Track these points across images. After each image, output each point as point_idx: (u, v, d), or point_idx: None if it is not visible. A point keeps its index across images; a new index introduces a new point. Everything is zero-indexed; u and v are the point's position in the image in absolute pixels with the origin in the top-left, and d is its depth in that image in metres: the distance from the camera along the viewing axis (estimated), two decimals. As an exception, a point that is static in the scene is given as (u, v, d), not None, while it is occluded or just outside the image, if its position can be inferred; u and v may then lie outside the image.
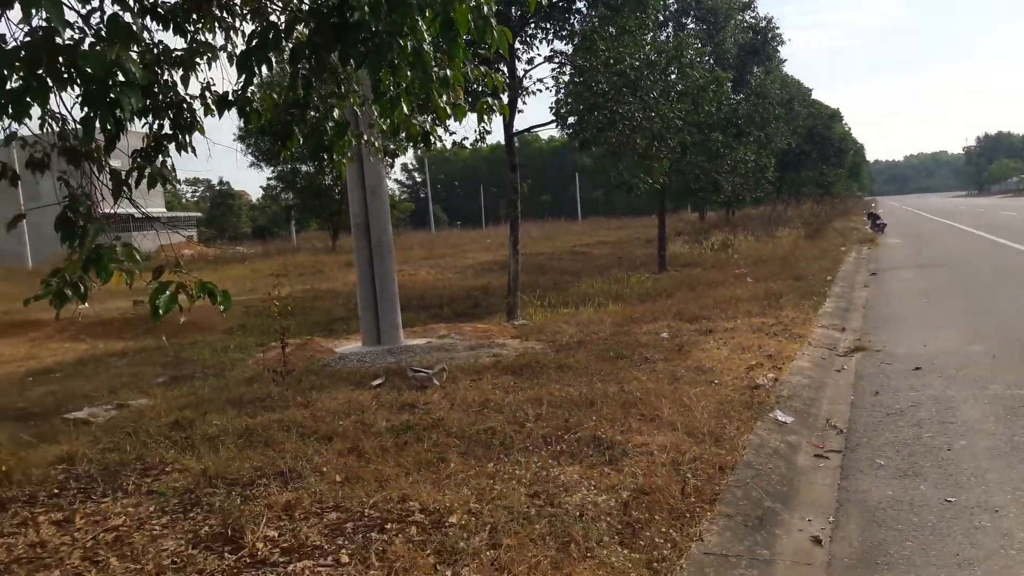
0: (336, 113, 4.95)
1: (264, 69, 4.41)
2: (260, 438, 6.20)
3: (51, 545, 4.32)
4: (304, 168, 36.37)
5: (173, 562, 3.97)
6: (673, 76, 13.37)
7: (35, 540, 4.42)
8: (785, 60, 32.93)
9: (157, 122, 5.92)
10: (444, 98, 4.48)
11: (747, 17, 26.79)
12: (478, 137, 13.37)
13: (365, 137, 6.35)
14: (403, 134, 5.07)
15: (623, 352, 8.92)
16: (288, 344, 11.15)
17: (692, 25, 23.22)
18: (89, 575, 3.90)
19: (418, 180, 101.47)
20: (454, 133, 13.56)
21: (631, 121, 12.43)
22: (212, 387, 8.66)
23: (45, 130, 5.65)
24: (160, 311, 3.23)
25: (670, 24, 22.25)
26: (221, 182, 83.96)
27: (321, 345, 11.17)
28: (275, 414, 6.97)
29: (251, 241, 58.38)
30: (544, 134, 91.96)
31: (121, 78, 2.85)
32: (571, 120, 13.85)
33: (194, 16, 5.46)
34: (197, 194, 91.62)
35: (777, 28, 29.04)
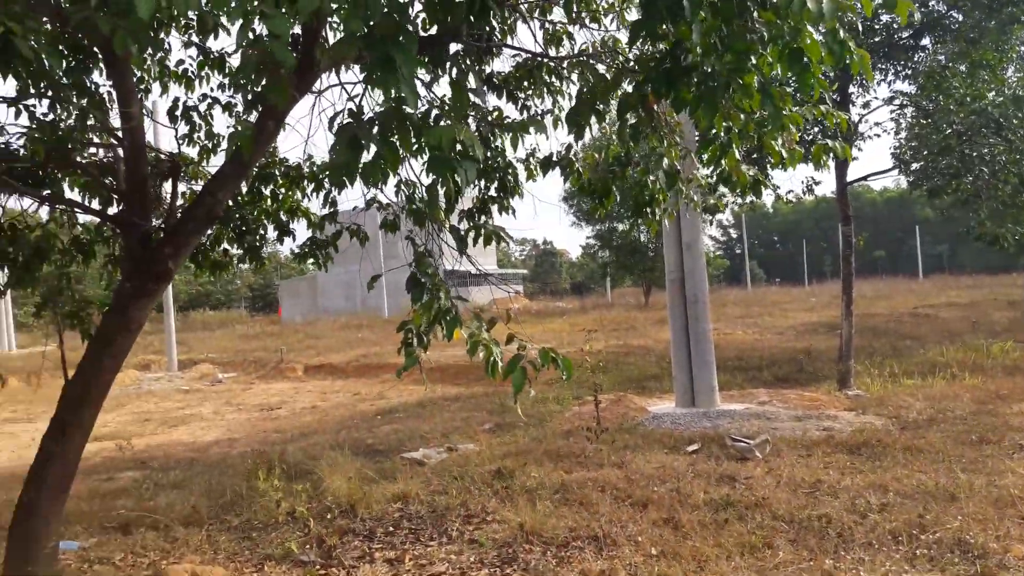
0: (666, 163, 4.79)
1: (591, 126, 4.40)
2: (575, 496, 6.13)
3: (381, 584, 4.57)
4: (620, 227, 37.25)
5: (488, 621, 3.94)
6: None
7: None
8: None
9: (485, 184, 6.29)
10: (778, 142, 4.10)
11: None
12: (806, 188, 12.45)
13: (684, 191, 6.13)
14: (728, 185, 4.74)
15: (988, 435, 7.51)
16: (601, 400, 11.19)
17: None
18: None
19: (733, 236, 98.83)
20: (778, 187, 12.69)
21: (992, 165, 10.70)
22: (531, 437, 8.88)
23: (399, 196, 6.26)
24: (515, 388, 3.29)
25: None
26: (545, 241, 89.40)
27: (634, 403, 11.01)
28: (589, 472, 6.89)
29: (570, 296, 60.94)
30: (877, 185, 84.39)
31: (460, 148, 2.93)
32: (915, 166, 12.35)
33: (525, 83, 5.73)
34: (524, 252, 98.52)
35: None
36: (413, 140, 2.94)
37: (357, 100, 3.54)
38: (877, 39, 11.34)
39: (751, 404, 10.54)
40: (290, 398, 15.38)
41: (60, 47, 4.17)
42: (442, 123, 2.83)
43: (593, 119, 4.31)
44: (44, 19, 3.69)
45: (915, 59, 11.81)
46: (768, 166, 10.10)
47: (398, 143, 2.79)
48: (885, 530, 4.96)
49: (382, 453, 8.80)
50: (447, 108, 3.18)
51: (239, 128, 4.35)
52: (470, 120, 4.66)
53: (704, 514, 5.55)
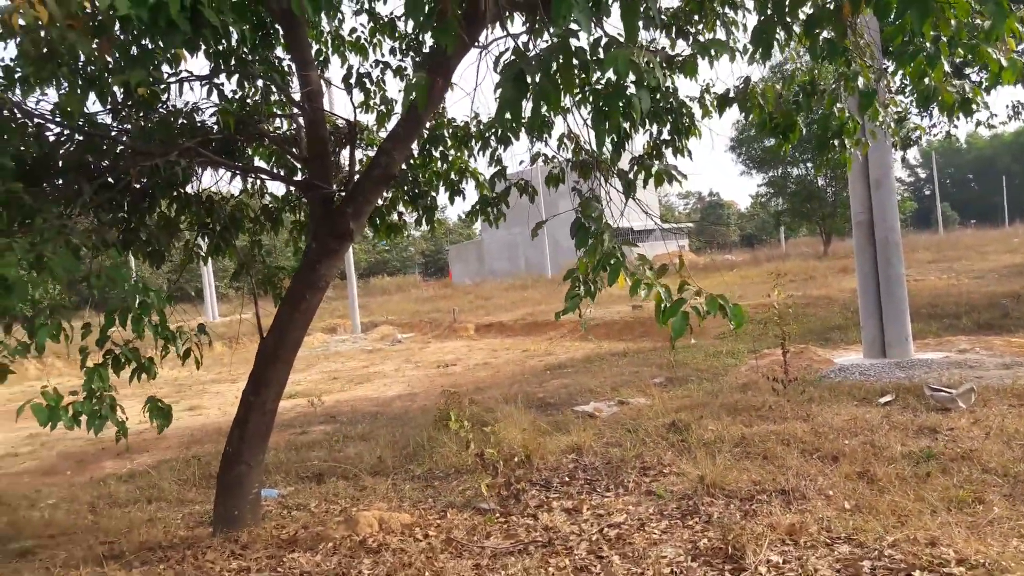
0: (861, 82, 4.38)
1: (779, 45, 4.08)
2: (757, 449, 5.90)
3: (562, 532, 4.61)
4: (795, 172, 35.12)
5: (672, 571, 3.88)
6: None
7: (549, 524, 4.77)
8: None
9: (657, 127, 6.07)
10: (993, 53, 3.61)
11: None
12: (1013, 112, 11.12)
13: (882, 115, 5.59)
14: (930, 105, 4.27)
15: None
16: (776, 353, 10.69)
17: None
18: (594, 570, 4.02)
19: (922, 176, 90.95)
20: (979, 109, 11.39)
21: None
22: (706, 391, 8.65)
23: (560, 149, 6.19)
24: (673, 334, 3.14)
25: None
26: (711, 193, 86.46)
27: (817, 355, 10.43)
28: (772, 425, 6.60)
29: (740, 249, 58.69)
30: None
31: (632, 78, 2.80)
32: None
33: (695, 17, 5.43)
34: (688, 206, 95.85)
35: None
36: (578, 75, 2.84)
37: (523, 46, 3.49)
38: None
39: (950, 353, 9.68)
40: (464, 355, 15.92)
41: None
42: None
43: (781, 35, 3.99)
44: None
45: None
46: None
47: (560, 81, 2.70)
48: (1124, 488, 4.38)
49: (554, 406, 8.90)
50: (617, 39, 3.04)
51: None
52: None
53: (903, 467, 5.16)
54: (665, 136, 6.07)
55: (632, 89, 2.84)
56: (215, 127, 5.25)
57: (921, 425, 6.17)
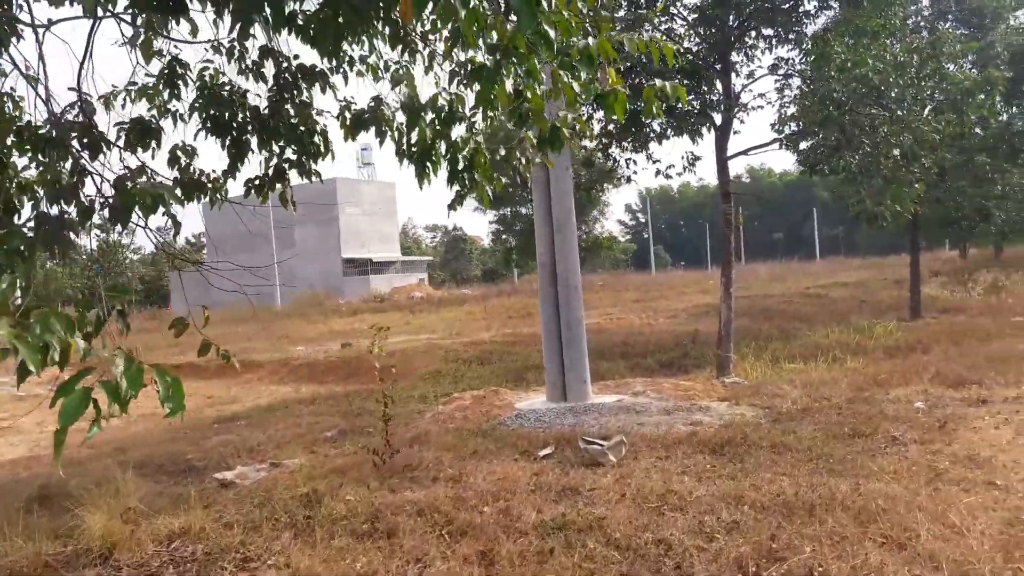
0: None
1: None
2: (385, 526, 5.12)
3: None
4: (524, 211, 36.39)
5: None
6: (928, 82, 10.88)
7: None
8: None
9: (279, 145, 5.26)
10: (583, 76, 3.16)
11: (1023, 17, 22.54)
12: (686, 164, 11.76)
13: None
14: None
15: (861, 428, 6.91)
16: (467, 397, 10.24)
17: (950, 30, 19.75)
18: None
19: (641, 220, 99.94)
20: (657, 161, 11.93)
21: (874, 137, 10.19)
22: (375, 446, 7.85)
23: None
24: (62, 419, 2.19)
25: (924, 30, 19.03)
26: (455, 227, 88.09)
27: (503, 398, 10.11)
28: (416, 492, 5.88)
29: (479, 284, 59.98)
30: (778, 166, 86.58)
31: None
32: (802, 142, 11.81)
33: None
34: (435, 240, 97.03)
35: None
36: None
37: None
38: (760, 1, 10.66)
39: (625, 395, 9.79)
40: (133, 404, 13.76)
41: None
42: None
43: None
44: None
45: (798, 24, 11.21)
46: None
47: None
48: (730, 559, 4.14)
49: (197, 471, 7.62)
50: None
51: None
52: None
53: (529, 542, 4.65)
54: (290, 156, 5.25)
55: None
56: None
57: (566, 485, 5.79)
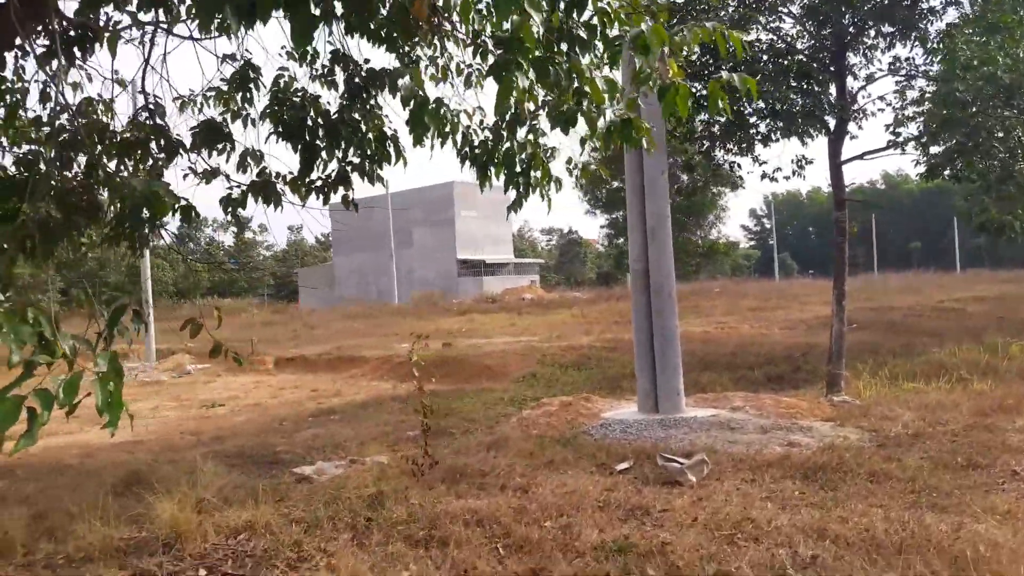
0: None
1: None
2: (440, 534, 4.99)
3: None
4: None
5: None
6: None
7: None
8: None
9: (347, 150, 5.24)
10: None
11: None
12: (795, 168, 11.08)
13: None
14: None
15: (977, 458, 6.22)
16: (553, 403, 10.04)
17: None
18: None
19: (767, 226, 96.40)
20: (764, 163, 11.29)
21: (1007, 142, 9.22)
22: (453, 448, 7.80)
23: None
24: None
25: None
26: (570, 230, 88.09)
27: (592, 406, 9.83)
28: (481, 500, 5.74)
29: (592, 287, 59.55)
30: (914, 173, 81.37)
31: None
32: (932, 146, 10.86)
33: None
34: (551, 242, 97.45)
35: None
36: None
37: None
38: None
39: (722, 410, 9.28)
40: (243, 394, 14.37)
41: None
42: None
43: None
44: None
45: (921, 20, 10.34)
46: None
47: None
48: (798, 600, 3.75)
49: (281, 465, 7.77)
50: None
51: None
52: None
53: (585, 564, 4.39)
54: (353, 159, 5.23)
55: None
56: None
57: (637, 504, 5.48)
